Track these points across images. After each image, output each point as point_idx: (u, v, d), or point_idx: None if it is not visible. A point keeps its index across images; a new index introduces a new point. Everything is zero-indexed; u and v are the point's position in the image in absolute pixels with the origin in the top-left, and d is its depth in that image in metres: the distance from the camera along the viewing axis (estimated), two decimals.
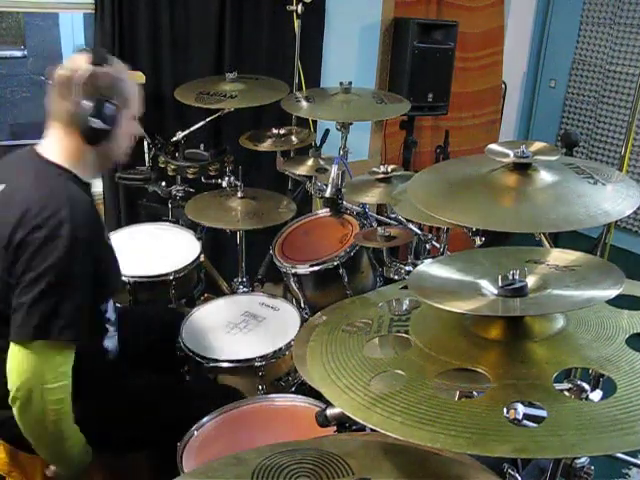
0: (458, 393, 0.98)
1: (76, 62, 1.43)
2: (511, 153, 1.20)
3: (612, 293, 0.89)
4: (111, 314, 1.63)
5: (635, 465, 1.27)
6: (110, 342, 1.64)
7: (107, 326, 1.61)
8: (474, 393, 0.96)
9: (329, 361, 0.98)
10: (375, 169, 2.09)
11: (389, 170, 2.06)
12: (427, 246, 2.16)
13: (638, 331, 0.95)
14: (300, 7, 2.76)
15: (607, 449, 0.72)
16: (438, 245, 2.21)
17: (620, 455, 1.07)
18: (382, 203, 2.32)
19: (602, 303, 0.98)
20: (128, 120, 1.51)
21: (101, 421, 1.51)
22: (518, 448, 0.73)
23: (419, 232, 2.11)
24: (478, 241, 1.60)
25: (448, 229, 2.15)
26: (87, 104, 1.40)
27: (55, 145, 1.46)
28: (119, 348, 1.67)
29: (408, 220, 2.10)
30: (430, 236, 2.16)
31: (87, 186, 1.51)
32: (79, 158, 1.47)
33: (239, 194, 2.28)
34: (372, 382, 0.90)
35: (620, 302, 0.99)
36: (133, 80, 1.53)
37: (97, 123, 1.41)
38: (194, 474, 1.03)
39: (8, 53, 3.32)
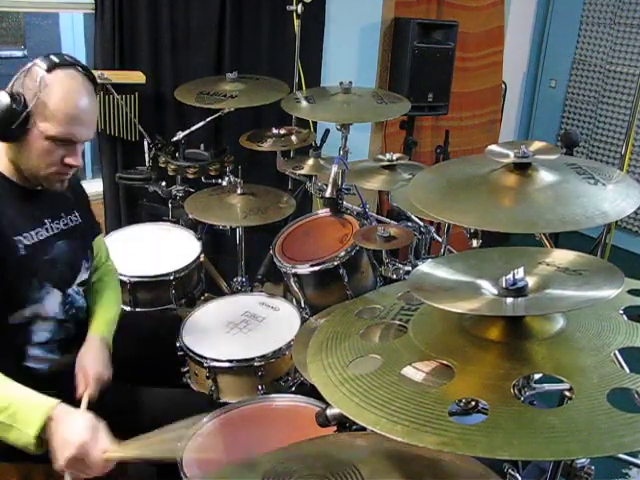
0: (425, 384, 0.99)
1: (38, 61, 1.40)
2: (511, 153, 1.20)
3: (612, 293, 0.88)
4: (42, 336, 1.50)
5: (635, 465, 1.27)
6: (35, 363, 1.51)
7: (29, 348, 1.48)
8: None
9: (327, 346, 1.01)
10: (380, 156, 2.11)
11: (394, 158, 2.09)
12: (427, 237, 2.14)
13: (638, 331, 0.95)
14: (300, 7, 2.76)
15: (531, 454, 0.73)
16: (439, 239, 2.20)
17: (621, 455, 1.07)
18: (384, 190, 2.32)
19: (602, 303, 0.97)
20: (40, 134, 1.39)
21: None
22: (445, 442, 0.75)
23: (420, 223, 2.11)
24: (475, 244, 1.59)
25: (449, 226, 2.15)
26: (3, 94, 1.37)
27: None
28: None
29: (408, 217, 2.10)
30: (430, 228, 2.15)
31: (10, 183, 1.46)
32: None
33: (238, 190, 2.26)
34: (352, 364, 0.93)
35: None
36: (72, 103, 1.39)
37: (3, 114, 1.36)
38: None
39: (8, 53, 3.31)
